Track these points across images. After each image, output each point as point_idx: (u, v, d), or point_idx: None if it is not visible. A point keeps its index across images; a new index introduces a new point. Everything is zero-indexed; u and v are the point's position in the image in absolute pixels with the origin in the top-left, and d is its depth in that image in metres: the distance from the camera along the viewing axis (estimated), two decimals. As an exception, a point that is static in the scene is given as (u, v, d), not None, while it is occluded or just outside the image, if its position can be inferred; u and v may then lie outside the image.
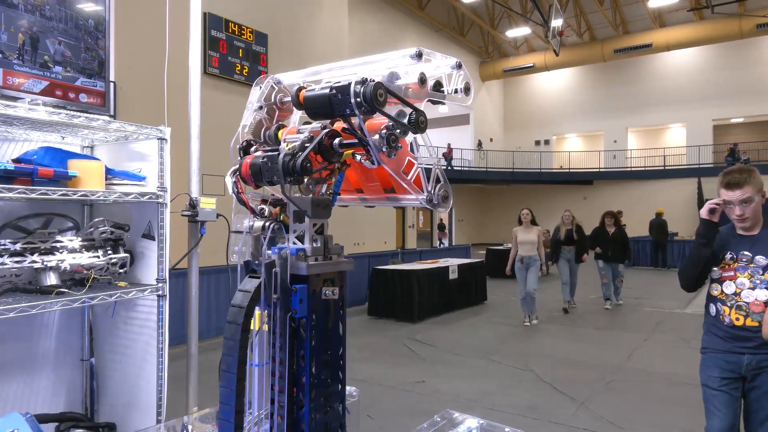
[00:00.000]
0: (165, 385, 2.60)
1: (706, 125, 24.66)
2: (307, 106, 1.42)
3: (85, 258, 2.36)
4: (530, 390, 5.08)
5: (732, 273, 2.46)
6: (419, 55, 1.41)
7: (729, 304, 2.45)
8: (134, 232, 2.64)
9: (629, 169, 25.79)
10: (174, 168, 3.12)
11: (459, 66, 1.46)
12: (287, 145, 1.44)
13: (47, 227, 2.50)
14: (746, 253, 2.44)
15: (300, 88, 1.54)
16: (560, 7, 19.20)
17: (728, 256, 2.49)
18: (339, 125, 1.43)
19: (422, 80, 1.40)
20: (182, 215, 3.09)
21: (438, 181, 1.45)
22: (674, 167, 24.30)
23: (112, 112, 3.24)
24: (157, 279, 2.58)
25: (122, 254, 2.50)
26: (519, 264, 8.23)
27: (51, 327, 2.76)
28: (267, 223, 1.50)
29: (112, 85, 2.84)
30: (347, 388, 1.70)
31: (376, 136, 1.33)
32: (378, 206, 1.63)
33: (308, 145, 1.38)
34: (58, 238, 2.36)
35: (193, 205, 3.01)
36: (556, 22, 17.81)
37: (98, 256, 2.40)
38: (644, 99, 25.59)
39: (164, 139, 2.59)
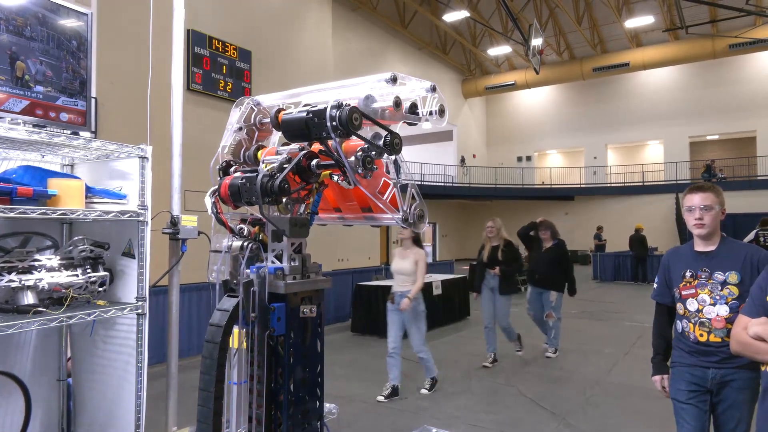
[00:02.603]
0: (144, 405, 2.58)
1: (682, 142, 25.24)
2: (285, 129, 1.47)
3: (64, 277, 2.34)
4: (512, 406, 5.11)
5: (693, 290, 2.50)
6: (394, 79, 1.46)
7: (693, 321, 2.50)
8: (114, 250, 2.64)
9: (609, 185, 26.23)
10: (155, 184, 3.13)
11: (433, 89, 1.52)
12: (266, 166, 1.48)
13: (25, 246, 2.49)
14: (705, 269, 2.49)
15: (279, 110, 1.57)
16: (540, 26, 19.62)
17: (688, 273, 2.54)
18: (317, 146, 1.47)
19: (397, 103, 1.45)
20: (163, 233, 3.08)
21: (413, 199, 1.49)
22: (653, 183, 24.78)
23: (93, 130, 3.25)
24: (136, 297, 2.57)
25: (102, 273, 2.49)
26: (389, 305, 5.67)
27: (27, 347, 2.73)
28: (245, 243, 1.52)
29: (93, 101, 2.85)
30: (327, 405, 1.72)
31: (352, 158, 1.38)
32: (356, 225, 1.66)
33: (286, 166, 1.42)
34: (37, 257, 2.34)
35: (174, 222, 3.01)
36: (536, 41, 18.18)
37: (77, 275, 2.39)
38: (623, 116, 26.14)
39: (145, 157, 2.60)
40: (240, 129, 1.69)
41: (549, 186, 27.32)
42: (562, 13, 22.11)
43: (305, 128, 1.39)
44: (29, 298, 2.22)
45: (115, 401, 2.65)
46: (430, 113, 1.51)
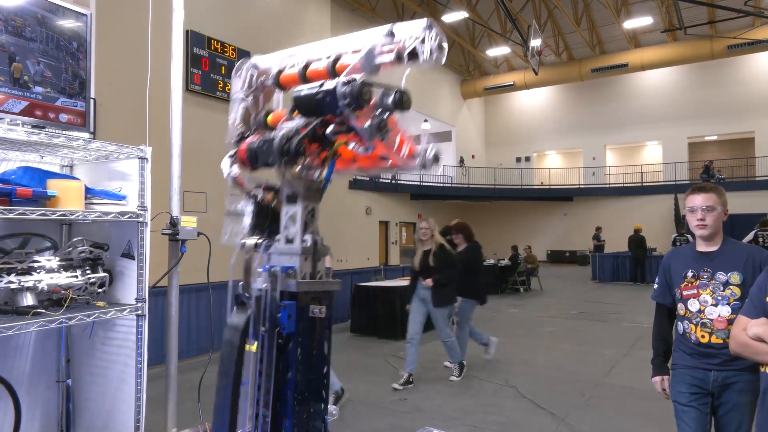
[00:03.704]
0: (143, 407, 2.57)
1: (681, 143, 25.27)
2: (297, 107, 1.47)
3: (63, 278, 2.34)
4: (511, 406, 5.10)
5: (695, 291, 2.49)
6: (392, 34, 1.43)
7: (694, 322, 2.49)
8: (114, 251, 2.63)
9: (608, 185, 26.25)
10: (155, 185, 3.12)
11: (430, 27, 1.44)
12: (283, 131, 1.47)
13: (25, 247, 2.48)
14: (707, 269, 2.49)
15: (279, 72, 1.57)
16: (539, 27, 19.65)
17: (690, 273, 2.54)
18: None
19: (399, 57, 1.42)
20: (162, 234, 3.08)
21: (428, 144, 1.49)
22: (651, 184, 24.81)
23: (92, 131, 3.24)
24: (136, 298, 2.56)
25: (101, 274, 2.49)
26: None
27: (26, 348, 2.72)
28: (259, 241, 1.51)
29: (92, 102, 2.83)
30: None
31: (367, 125, 1.37)
32: (372, 174, 1.63)
33: (303, 129, 1.43)
34: (36, 258, 2.34)
35: (173, 223, 3.01)
36: (535, 42, 18.21)
37: (76, 276, 2.38)
38: (621, 117, 26.17)
39: (145, 158, 2.59)
40: (245, 97, 1.67)
41: (548, 187, 27.34)
42: (561, 14, 22.13)
43: (317, 107, 1.41)
44: (28, 300, 2.22)
45: (114, 403, 2.64)
46: (431, 53, 1.43)
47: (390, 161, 1.51)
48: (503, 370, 6.37)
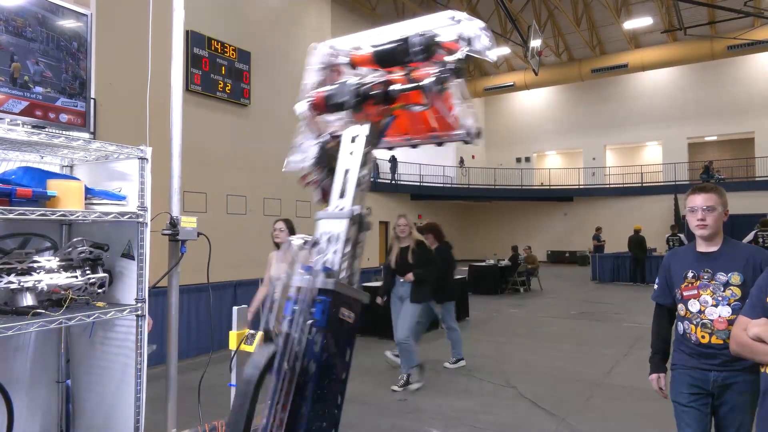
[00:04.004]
0: (143, 407, 2.57)
1: (681, 143, 25.29)
2: (376, 57, 1.66)
3: (63, 278, 2.33)
4: (512, 407, 5.10)
5: (695, 291, 2.49)
6: (458, 21, 1.64)
7: (695, 323, 2.49)
8: (114, 251, 2.63)
9: (608, 185, 26.26)
10: (155, 186, 3.12)
11: (486, 29, 1.69)
12: (358, 78, 1.67)
13: (24, 247, 2.48)
14: (707, 270, 2.48)
15: (352, 51, 1.76)
16: (539, 27, 19.65)
17: (690, 274, 2.53)
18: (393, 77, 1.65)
19: (459, 38, 1.63)
20: (162, 234, 3.08)
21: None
22: (651, 184, 24.81)
23: (92, 131, 3.23)
24: (136, 299, 2.56)
25: (101, 274, 2.48)
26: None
27: (26, 348, 2.72)
28: (305, 241, 1.53)
29: (92, 102, 2.82)
30: None
31: (428, 80, 1.55)
32: (421, 145, 1.89)
33: (374, 78, 1.63)
34: (36, 258, 2.33)
35: (173, 224, 3.00)
36: (535, 43, 18.22)
37: (76, 276, 2.38)
38: (621, 117, 26.19)
39: (145, 158, 2.59)
40: (322, 69, 1.82)
41: (548, 187, 27.34)
42: (561, 14, 22.14)
43: (392, 56, 1.61)
44: (28, 300, 2.21)
45: (114, 404, 2.64)
46: (484, 49, 1.69)
47: (437, 131, 1.72)
48: (503, 371, 6.37)
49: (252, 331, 1.79)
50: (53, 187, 2.30)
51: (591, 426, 4.56)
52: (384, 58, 1.65)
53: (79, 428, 2.81)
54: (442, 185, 24.83)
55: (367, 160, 1.60)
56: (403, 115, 1.73)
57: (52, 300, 2.34)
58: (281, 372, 1.37)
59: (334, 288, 1.40)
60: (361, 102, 1.60)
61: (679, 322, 2.59)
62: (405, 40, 1.58)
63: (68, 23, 2.46)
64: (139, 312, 2.54)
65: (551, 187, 27.16)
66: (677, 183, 23.04)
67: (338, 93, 1.63)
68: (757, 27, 20.65)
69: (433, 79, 1.56)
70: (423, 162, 25.94)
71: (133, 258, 2.59)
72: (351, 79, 1.67)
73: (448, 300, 6.37)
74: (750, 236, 10.97)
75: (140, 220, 2.54)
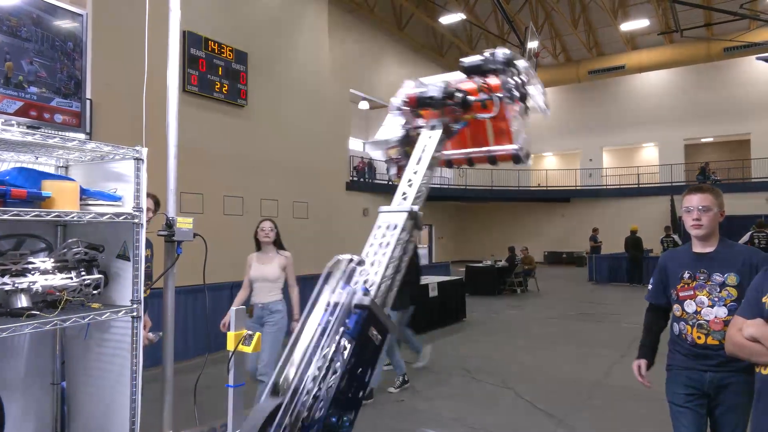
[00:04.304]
0: (139, 409, 2.55)
1: (677, 145, 25.34)
2: (463, 69, 2.06)
3: (58, 279, 2.32)
4: (509, 408, 5.10)
5: (691, 292, 2.49)
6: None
7: (691, 323, 2.49)
8: (109, 252, 2.61)
9: (605, 187, 26.30)
10: (152, 187, 3.10)
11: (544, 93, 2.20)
12: (444, 86, 2.02)
13: (19, 248, 2.46)
14: (704, 270, 2.49)
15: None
16: (536, 29, 19.67)
17: (686, 275, 2.53)
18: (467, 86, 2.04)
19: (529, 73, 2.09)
20: (158, 235, 3.06)
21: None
22: (648, 185, 24.86)
23: (87, 131, 3.21)
24: (131, 300, 2.55)
25: (96, 275, 2.47)
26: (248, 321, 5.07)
27: (21, 350, 2.70)
28: (351, 259, 1.60)
29: (88, 102, 2.81)
30: None
31: (499, 93, 1.96)
32: (476, 164, 2.24)
33: (461, 87, 2.01)
34: (30, 259, 2.32)
35: (169, 224, 2.99)
36: (532, 44, 18.22)
37: (71, 278, 2.36)
38: (618, 119, 26.23)
39: (141, 159, 2.58)
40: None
41: (545, 188, 27.36)
42: (558, 15, 22.19)
43: (477, 68, 2.01)
44: (23, 301, 2.20)
45: (110, 405, 2.62)
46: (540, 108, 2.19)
47: (493, 144, 2.10)
48: (501, 372, 6.37)
49: (249, 332, 1.79)
50: (48, 187, 2.28)
51: (589, 427, 4.56)
52: (470, 70, 2.04)
53: (75, 430, 2.79)
54: (439, 186, 24.82)
55: (434, 163, 1.87)
56: (467, 131, 2.10)
57: (47, 301, 2.33)
58: (282, 427, 1.36)
59: (369, 305, 1.46)
60: (445, 103, 1.93)
61: (675, 323, 2.59)
62: (492, 54, 1.98)
63: (63, 23, 2.45)
64: (135, 313, 2.52)
65: (548, 188, 27.19)
66: (674, 184, 23.09)
67: (428, 95, 1.99)
68: (753, 29, 20.72)
69: (505, 92, 1.95)
70: (420, 163, 25.90)
71: (128, 259, 2.57)
72: (439, 85, 2.02)
73: (412, 305, 5.88)
74: (746, 237, 11.00)
75: (136, 220, 2.53)
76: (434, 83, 2.08)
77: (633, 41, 24.09)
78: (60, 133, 2.38)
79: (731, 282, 2.40)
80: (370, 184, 22.56)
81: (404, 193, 1.75)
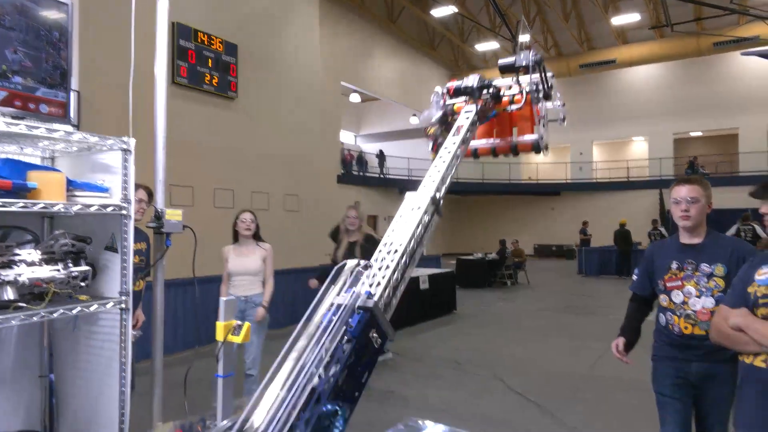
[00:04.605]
0: (128, 401, 2.55)
1: (667, 139, 25.52)
2: (500, 68, 2.39)
3: (45, 271, 2.29)
4: (499, 399, 5.14)
5: (679, 282, 2.52)
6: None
7: (678, 314, 2.51)
8: (97, 244, 2.59)
9: (595, 180, 26.45)
10: (141, 179, 3.08)
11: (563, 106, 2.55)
12: (479, 78, 2.33)
13: (5, 240, 2.43)
14: (691, 261, 2.51)
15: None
16: (527, 23, 19.68)
17: (674, 265, 2.55)
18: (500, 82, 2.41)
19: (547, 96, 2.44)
20: (147, 227, 3.04)
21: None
22: (637, 179, 25.04)
23: (75, 123, 3.18)
24: (120, 292, 2.53)
25: (84, 267, 2.45)
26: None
27: (7, 343, 2.68)
28: (359, 262, 1.63)
29: (76, 94, 2.78)
30: None
31: (527, 88, 2.30)
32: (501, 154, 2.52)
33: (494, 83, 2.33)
34: (17, 251, 2.29)
35: (158, 216, 2.97)
36: (524, 38, 18.21)
37: (58, 270, 2.34)
38: (608, 113, 26.35)
39: (128, 150, 2.55)
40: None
41: (535, 181, 27.49)
42: (550, 10, 22.20)
43: (511, 66, 2.35)
44: (9, 294, 2.18)
45: (99, 398, 2.61)
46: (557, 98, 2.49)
47: (517, 135, 2.35)
48: (491, 364, 6.41)
49: (239, 322, 1.79)
50: (34, 178, 2.26)
51: (579, 418, 4.61)
52: (505, 68, 2.34)
53: (63, 422, 2.78)
54: (431, 179, 24.84)
55: (466, 138, 2.08)
56: (495, 123, 2.36)
57: (34, 293, 2.31)
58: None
59: (372, 308, 1.49)
60: (480, 93, 2.19)
61: (661, 314, 2.61)
62: (524, 55, 2.31)
63: (48, 12, 2.41)
64: (123, 305, 2.51)
65: (539, 182, 27.31)
66: (663, 178, 23.27)
67: (465, 85, 2.26)
68: (742, 24, 20.86)
69: (532, 86, 2.23)
70: (412, 156, 25.94)
71: (116, 251, 2.56)
72: (477, 77, 2.30)
73: None
74: (732, 230, 11.13)
75: (123, 212, 2.51)
76: (474, 76, 2.39)
77: (624, 35, 24.17)
78: (45, 123, 2.35)
79: (719, 273, 2.43)
80: (362, 177, 22.56)
81: (431, 177, 1.91)
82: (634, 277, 2.81)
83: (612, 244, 17.41)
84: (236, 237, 4.62)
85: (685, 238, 2.58)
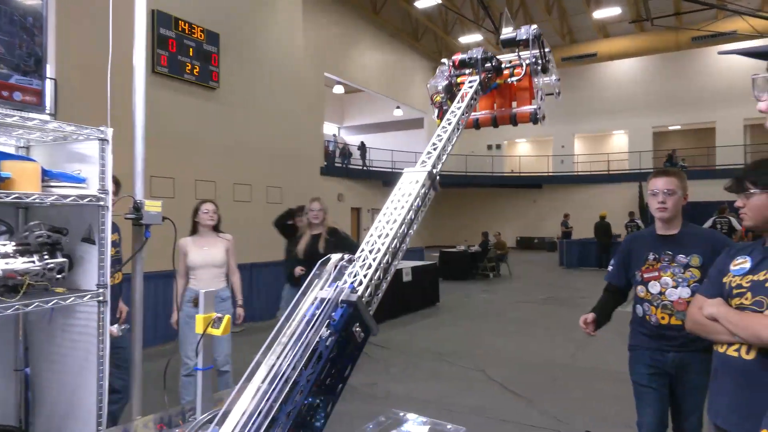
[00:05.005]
0: (105, 395, 2.51)
1: (646, 132, 25.87)
2: (502, 43, 2.43)
3: (19, 263, 2.24)
4: (481, 390, 5.19)
5: (656, 273, 2.56)
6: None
7: (655, 304, 2.55)
8: (74, 235, 2.54)
9: (576, 173, 26.73)
10: (120, 170, 3.02)
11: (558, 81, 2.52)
12: (482, 51, 2.35)
13: (-23, 231, 2.38)
14: (668, 252, 2.55)
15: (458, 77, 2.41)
16: (510, 15, 19.70)
17: (651, 256, 2.60)
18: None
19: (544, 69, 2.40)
20: (125, 218, 2.99)
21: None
22: (617, 172, 25.36)
23: (51, 111, 3.09)
24: (97, 284, 2.49)
25: (60, 259, 2.40)
26: (191, 308, 4.26)
27: (-18, 336, 2.62)
28: (342, 257, 1.61)
29: (52, 83, 2.70)
30: None
31: (527, 61, 2.34)
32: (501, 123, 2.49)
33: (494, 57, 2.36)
34: (-10, 242, 2.24)
35: (137, 207, 2.92)
36: (507, 30, 18.28)
37: (33, 261, 2.29)
38: (589, 106, 26.60)
39: (106, 140, 2.50)
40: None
41: (518, 174, 27.69)
42: (533, 2, 22.26)
43: (514, 40, 2.36)
44: (-18, 286, 2.13)
45: (75, 391, 2.57)
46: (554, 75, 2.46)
47: (516, 107, 2.44)
48: (473, 355, 6.47)
49: (219, 315, 1.77)
50: (7, 168, 2.21)
51: (558, 407, 4.68)
52: (507, 43, 2.40)
53: (39, 417, 2.74)
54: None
55: (470, 104, 2.16)
56: (496, 95, 2.47)
57: (8, 286, 2.26)
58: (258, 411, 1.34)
59: (356, 302, 1.48)
60: (482, 65, 2.28)
61: (638, 305, 2.65)
62: (524, 29, 2.35)
63: (22, -3, 2.35)
64: (101, 298, 2.47)
65: (521, 174, 27.51)
66: (642, 171, 23.60)
67: (470, 57, 2.33)
68: (720, 19, 21.17)
69: (532, 59, 2.32)
70: (395, 148, 25.93)
71: (94, 242, 2.51)
72: (480, 50, 2.35)
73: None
74: (709, 222, 11.34)
75: (101, 203, 2.46)
76: (478, 49, 2.46)
77: (605, 29, 24.38)
78: (19, 112, 2.29)
79: (695, 263, 2.47)
80: (345, 170, 22.48)
81: (429, 153, 1.95)
82: (610, 268, 2.85)
83: (592, 236, 17.63)
84: (195, 228, 4.41)
85: (661, 230, 2.62)
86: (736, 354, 1.81)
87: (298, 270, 4.94)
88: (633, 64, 25.67)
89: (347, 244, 5.06)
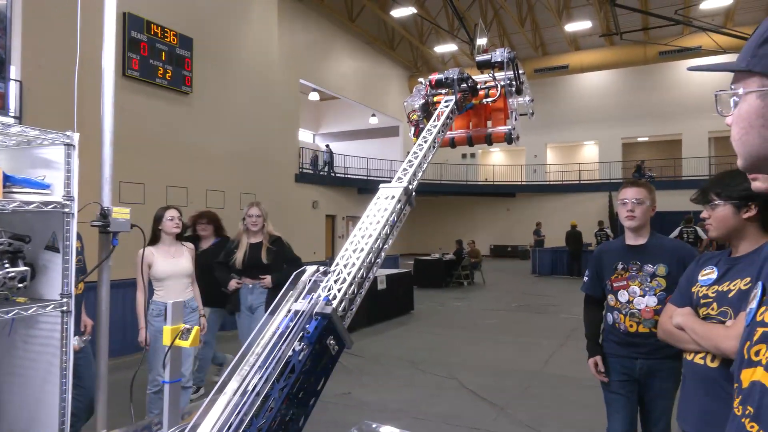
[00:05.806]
0: (68, 408, 2.43)
1: (615, 143, 26.50)
2: (478, 65, 2.56)
3: (-22, 272, 2.16)
4: (454, 398, 5.20)
5: (625, 282, 2.62)
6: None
7: (624, 312, 2.62)
8: (37, 243, 2.46)
9: (548, 183, 27.19)
10: (89, 176, 2.93)
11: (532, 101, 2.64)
12: (459, 72, 2.44)
13: (-66, 239, 2.27)
14: (636, 261, 2.62)
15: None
16: (485, 26, 20.02)
17: (620, 266, 2.66)
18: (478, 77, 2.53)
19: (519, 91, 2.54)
20: (92, 225, 2.91)
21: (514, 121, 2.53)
22: (588, 182, 25.88)
23: (16, 114, 3.00)
24: (61, 294, 2.41)
25: (22, 267, 2.31)
26: (161, 322, 3.94)
27: (-64, 348, 2.51)
28: (317, 268, 1.63)
29: (18, 84, 2.61)
30: None
31: (501, 82, 2.47)
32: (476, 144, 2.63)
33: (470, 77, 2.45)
34: (-54, 250, 2.15)
35: (104, 214, 2.84)
36: (481, 41, 18.53)
37: (-7, 270, 2.21)
38: (561, 117, 27.12)
39: (72, 145, 2.43)
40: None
41: (492, 183, 28.01)
42: (506, 14, 22.65)
43: (487, 63, 2.49)
44: (-63, 296, 2.04)
45: (38, 405, 2.48)
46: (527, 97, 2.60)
47: (491, 127, 2.52)
48: (446, 363, 6.48)
49: (187, 326, 1.73)
50: (-33, 173, 2.12)
51: (529, 414, 4.71)
52: (482, 65, 2.52)
53: (0, 430, 2.63)
54: (389, 179, 24.93)
55: (446, 123, 2.21)
56: (471, 115, 2.54)
57: (-34, 296, 2.17)
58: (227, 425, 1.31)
59: (330, 314, 1.46)
60: (459, 85, 2.35)
61: (609, 313, 2.71)
62: (499, 52, 2.46)
63: (-15, -4, 2.28)
64: (65, 308, 2.39)
65: (495, 183, 27.84)
66: (612, 181, 24.13)
67: (446, 77, 2.41)
68: (686, 35, 21.85)
69: (506, 81, 2.42)
70: (370, 156, 25.96)
71: (58, 250, 2.43)
72: (457, 71, 2.44)
73: (223, 306, 4.99)
74: (675, 232, 11.65)
75: (66, 210, 2.39)
76: (455, 69, 2.55)
77: (576, 42, 24.93)
78: (-20, 115, 2.21)
79: (661, 272, 2.53)
80: (320, 177, 22.38)
81: (405, 170, 1.98)
82: (585, 279, 2.89)
83: (564, 245, 17.92)
84: (156, 237, 4.14)
85: (630, 240, 2.68)
86: (702, 362, 1.85)
87: (234, 283, 4.60)
88: (603, 77, 26.31)
89: (290, 257, 4.73)
